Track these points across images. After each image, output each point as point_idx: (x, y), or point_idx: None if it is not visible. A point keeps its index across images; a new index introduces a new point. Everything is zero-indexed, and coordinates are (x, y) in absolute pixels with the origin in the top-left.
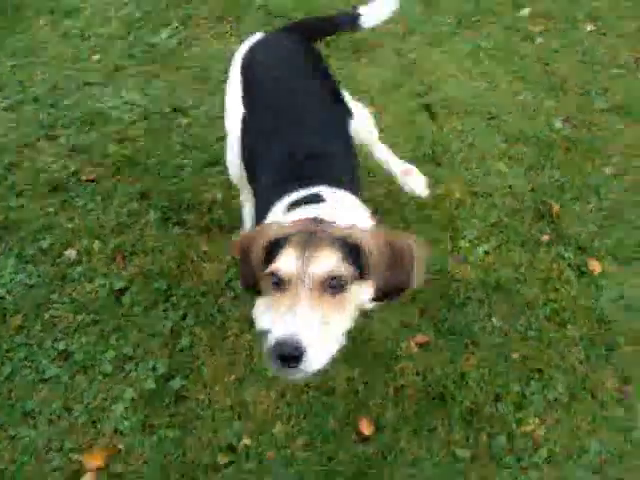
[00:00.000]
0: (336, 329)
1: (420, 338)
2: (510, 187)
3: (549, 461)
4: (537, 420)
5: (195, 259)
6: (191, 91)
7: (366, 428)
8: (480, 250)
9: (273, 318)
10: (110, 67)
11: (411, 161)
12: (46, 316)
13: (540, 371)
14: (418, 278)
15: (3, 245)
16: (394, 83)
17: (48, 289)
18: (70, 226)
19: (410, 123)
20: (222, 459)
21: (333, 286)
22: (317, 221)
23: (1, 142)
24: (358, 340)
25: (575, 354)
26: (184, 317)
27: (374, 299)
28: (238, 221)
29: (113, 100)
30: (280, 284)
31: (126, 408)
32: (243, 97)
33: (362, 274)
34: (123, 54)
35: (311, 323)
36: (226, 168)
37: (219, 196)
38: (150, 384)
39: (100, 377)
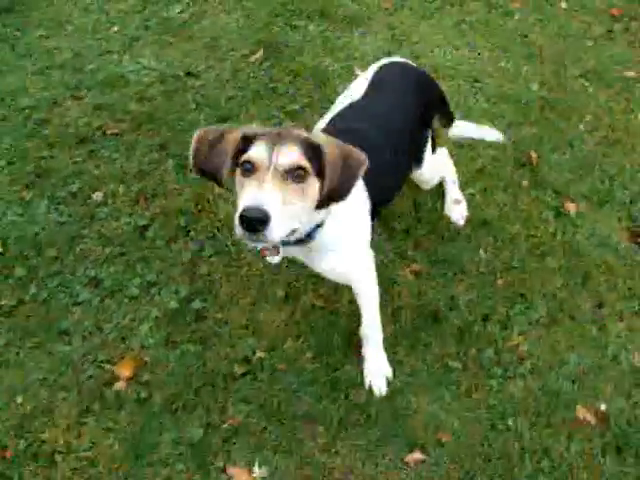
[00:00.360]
0: (295, 211)
1: (415, 267)
2: (493, 142)
3: (532, 372)
4: (521, 337)
5: (210, 200)
6: (203, 58)
7: None
8: (467, 192)
9: (242, 196)
10: (128, 37)
11: None
12: (77, 249)
13: (523, 296)
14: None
15: (37, 189)
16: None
17: (78, 226)
18: (97, 173)
19: None
20: (239, 369)
21: (296, 176)
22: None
23: (33, 101)
24: None
25: (554, 282)
26: (202, 249)
27: (319, 202)
28: None
29: (132, 65)
30: (251, 170)
31: (151, 327)
32: (366, 92)
33: (318, 172)
34: (140, 26)
35: (275, 198)
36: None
37: None
38: (173, 305)
39: (127, 300)
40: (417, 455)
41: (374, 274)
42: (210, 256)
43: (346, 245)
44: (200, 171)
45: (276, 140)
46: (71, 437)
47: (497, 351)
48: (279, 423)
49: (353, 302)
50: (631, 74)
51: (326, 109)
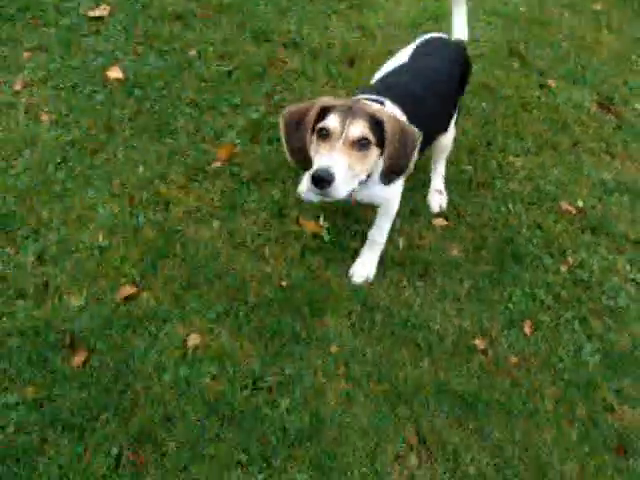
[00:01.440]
0: (356, 173)
1: None
2: (491, 38)
3: (525, 178)
4: (516, 158)
5: (278, 57)
6: None
7: None
8: (474, 66)
9: (316, 158)
10: None
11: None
12: (178, 83)
13: (516, 133)
14: (412, 163)
15: (146, 46)
16: None
17: (180, 69)
18: (191, 37)
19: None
20: None
21: (361, 144)
22: (356, 101)
23: None
24: None
25: (540, 126)
26: (275, 87)
27: (385, 174)
28: None
29: None
30: (326, 136)
31: (238, 130)
32: (410, 57)
33: (379, 143)
34: None
35: (341, 163)
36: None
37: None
38: (255, 116)
39: (219, 115)
40: (441, 221)
41: (399, 197)
42: (281, 91)
43: (393, 186)
44: (291, 151)
45: (348, 113)
46: (181, 193)
47: (499, 164)
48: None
49: None
50: (598, 7)
51: None
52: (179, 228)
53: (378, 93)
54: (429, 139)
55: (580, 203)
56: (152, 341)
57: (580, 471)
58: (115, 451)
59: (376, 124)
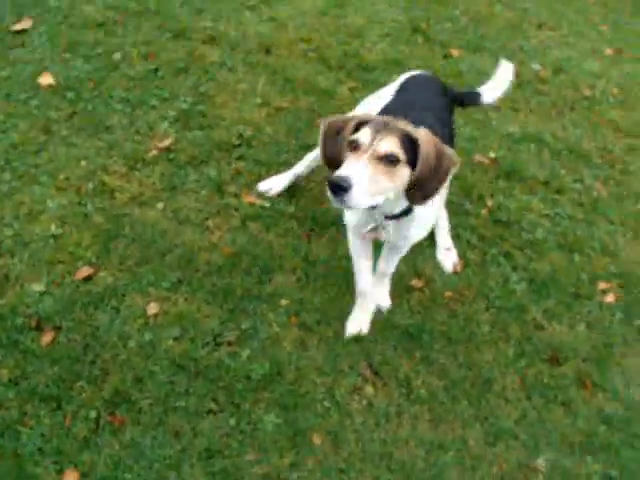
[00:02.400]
0: (380, 188)
1: None
2: (394, 19)
3: None
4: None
5: (200, 53)
6: None
7: None
8: (380, 45)
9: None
10: None
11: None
12: (108, 82)
13: None
14: (442, 185)
15: (74, 53)
16: None
17: (107, 71)
18: (115, 41)
19: None
20: (235, 140)
21: (389, 161)
22: (394, 119)
23: None
24: None
25: None
26: (199, 79)
27: (409, 193)
28: None
29: None
30: (356, 148)
31: (170, 121)
32: (395, 94)
33: (411, 162)
34: None
35: (362, 173)
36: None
37: None
38: (184, 106)
39: (149, 108)
40: None
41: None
42: (205, 82)
43: (428, 222)
44: (327, 160)
45: (380, 128)
46: (123, 181)
47: None
48: (269, 170)
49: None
50: None
51: None
52: (126, 212)
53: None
54: None
55: (492, 154)
56: (114, 314)
57: (520, 382)
58: (93, 415)
59: (410, 142)
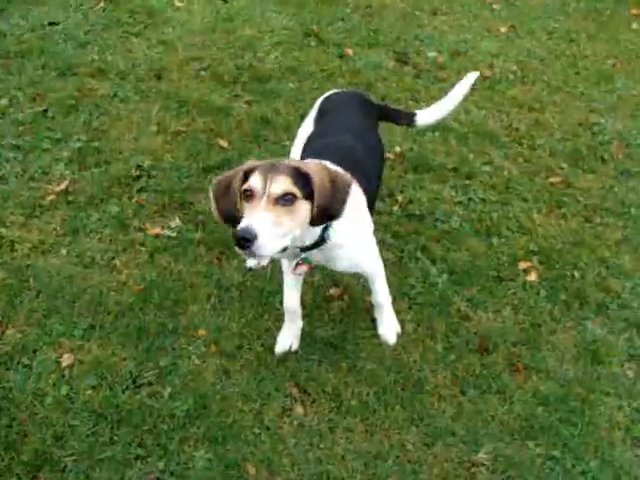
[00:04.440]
0: (286, 228)
1: None
2: (285, 26)
3: None
4: None
5: (92, 87)
6: None
7: None
8: (273, 55)
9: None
10: None
11: None
12: None
13: None
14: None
15: None
16: None
17: None
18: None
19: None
20: (134, 172)
21: (286, 200)
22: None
23: None
24: None
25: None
26: (91, 114)
27: (312, 221)
28: None
29: None
30: (250, 197)
31: (65, 163)
32: (315, 121)
33: (308, 196)
34: None
35: (264, 221)
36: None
37: None
38: (78, 145)
39: (42, 152)
40: None
41: (380, 258)
42: (98, 116)
43: (356, 241)
44: (223, 218)
45: (270, 170)
46: (22, 231)
47: None
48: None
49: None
50: None
51: None
52: (29, 263)
53: (319, 157)
54: (381, 171)
55: (397, 149)
56: (27, 371)
57: (452, 377)
58: None
59: (302, 177)
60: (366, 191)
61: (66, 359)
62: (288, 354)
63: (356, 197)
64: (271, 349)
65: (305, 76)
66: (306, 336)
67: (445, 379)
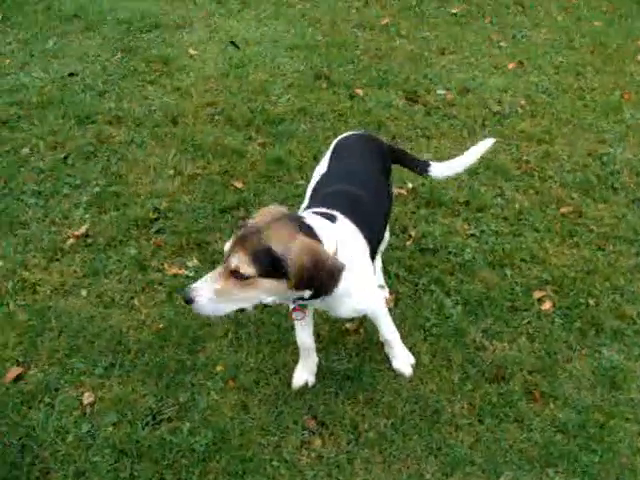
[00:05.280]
0: (236, 298)
1: None
2: (296, 69)
3: None
4: None
5: (108, 143)
6: None
7: None
8: (285, 97)
9: None
10: None
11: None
12: (19, 179)
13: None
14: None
15: None
16: None
17: (17, 165)
18: (21, 136)
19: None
20: (152, 215)
21: (237, 276)
22: (277, 217)
23: None
24: None
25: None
26: (109, 160)
27: (297, 289)
28: None
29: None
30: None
31: (85, 208)
32: (329, 163)
33: (270, 273)
34: None
35: (208, 287)
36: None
37: None
38: (97, 190)
39: (62, 197)
40: None
41: (382, 300)
42: (116, 162)
43: (358, 291)
44: None
45: (241, 240)
46: (44, 274)
47: None
48: (189, 239)
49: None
50: (385, 21)
51: None
52: (50, 304)
53: (326, 206)
54: (383, 231)
55: (410, 185)
56: (49, 410)
57: (469, 406)
58: None
59: (273, 257)
60: (369, 240)
61: (87, 397)
62: (305, 388)
63: (358, 248)
64: (288, 383)
65: (317, 117)
66: (323, 369)
67: (462, 409)
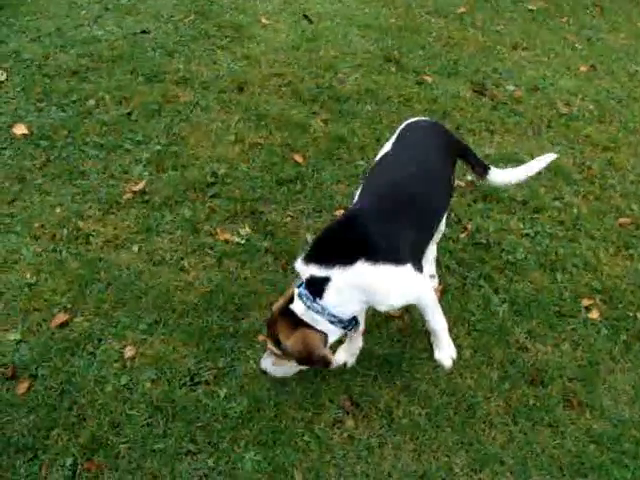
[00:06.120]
0: (280, 371)
1: None
2: (367, 49)
3: None
4: None
5: (174, 96)
6: None
7: None
8: (353, 76)
9: None
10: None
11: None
12: (83, 128)
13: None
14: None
15: (47, 100)
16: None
17: (80, 117)
18: (88, 87)
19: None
20: (210, 179)
21: (275, 355)
22: (275, 316)
23: None
24: None
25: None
26: (172, 120)
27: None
28: None
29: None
30: None
31: (144, 164)
32: (393, 146)
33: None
34: None
35: (267, 361)
36: None
37: None
38: (158, 147)
39: (124, 152)
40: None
41: (427, 290)
42: (178, 123)
43: (390, 296)
44: None
45: (269, 331)
46: (98, 225)
47: None
48: (244, 206)
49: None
50: (461, 10)
51: None
52: (101, 256)
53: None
54: (431, 229)
55: (469, 177)
56: (91, 359)
57: (505, 405)
58: (70, 462)
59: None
60: (414, 242)
61: (129, 351)
62: (343, 368)
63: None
64: None
65: (383, 100)
66: (364, 351)
67: (498, 407)
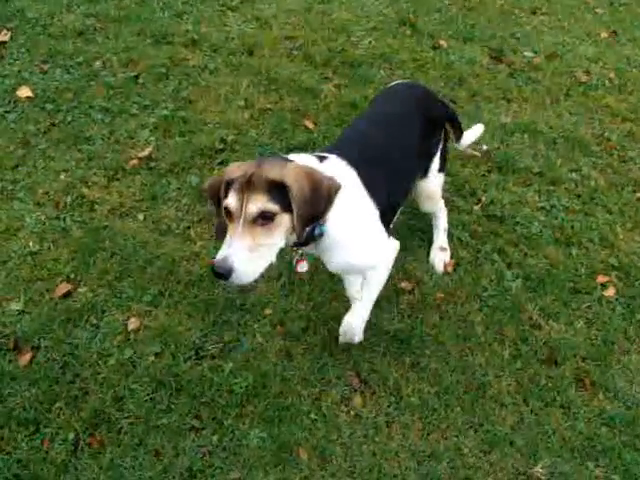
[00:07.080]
0: (266, 249)
1: None
2: (381, 12)
3: None
4: None
5: (180, 58)
6: None
7: None
8: (367, 40)
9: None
10: None
11: None
12: (89, 92)
13: None
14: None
15: (53, 63)
16: None
17: (87, 80)
18: (95, 49)
19: None
20: (218, 145)
21: (264, 219)
22: (260, 163)
23: None
24: None
25: (438, 81)
26: (180, 84)
27: (300, 226)
28: None
29: None
30: (229, 215)
31: (151, 130)
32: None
33: (287, 207)
34: None
35: (241, 248)
36: None
37: None
38: (165, 113)
39: (129, 116)
40: None
41: (387, 265)
42: (187, 87)
43: (351, 242)
44: (216, 235)
45: (247, 187)
46: (103, 193)
47: None
48: None
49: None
50: None
51: None
52: (106, 224)
53: (336, 148)
54: (402, 186)
55: (484, 147)
56: (94, 330)
57: (516, 385)
58: (72, 436)
59: (279, 189)
60: (388, 191)
61: (132, 323)
62: (352, 344)
63: (352, 192)
64: (336, 336)
65: (397, 64)
66: (373, 327)
67: (509, 386)
